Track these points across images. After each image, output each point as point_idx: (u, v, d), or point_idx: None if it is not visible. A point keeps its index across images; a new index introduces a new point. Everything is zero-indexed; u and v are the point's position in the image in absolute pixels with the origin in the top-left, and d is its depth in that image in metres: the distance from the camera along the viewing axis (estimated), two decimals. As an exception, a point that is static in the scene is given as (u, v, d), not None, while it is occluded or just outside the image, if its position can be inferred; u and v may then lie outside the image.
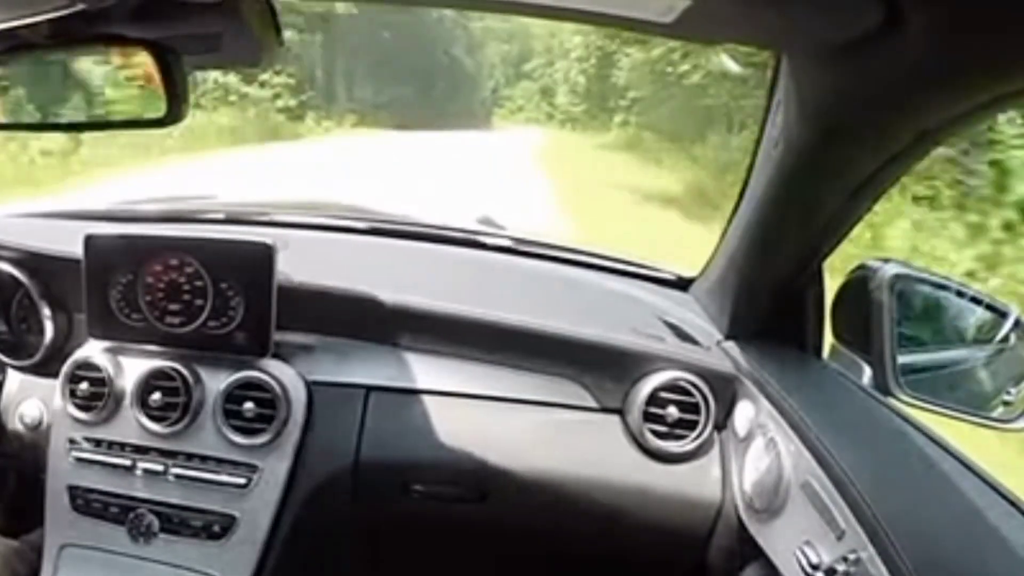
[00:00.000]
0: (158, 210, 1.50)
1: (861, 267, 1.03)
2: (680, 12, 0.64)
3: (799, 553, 0.83)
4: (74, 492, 1.10)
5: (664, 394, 1.09)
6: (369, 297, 1.14)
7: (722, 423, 1.12)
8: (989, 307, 1.05)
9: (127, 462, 1.09)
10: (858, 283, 1.02)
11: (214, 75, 12.69)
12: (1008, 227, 4.21)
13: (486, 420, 1.12)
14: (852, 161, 0.79)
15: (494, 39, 31.61)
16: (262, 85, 15.67)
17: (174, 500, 1.08)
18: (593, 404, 1.14)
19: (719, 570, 1.11)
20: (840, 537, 0.77)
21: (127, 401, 1.10)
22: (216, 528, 1.07)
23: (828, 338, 1.10)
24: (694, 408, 1.09)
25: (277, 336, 1.10)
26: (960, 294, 1.07)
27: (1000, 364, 1.04)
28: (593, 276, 1.40)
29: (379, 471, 1.11)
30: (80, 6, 0.58)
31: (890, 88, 0.66)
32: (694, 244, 1.94)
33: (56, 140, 7.24)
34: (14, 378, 1.22)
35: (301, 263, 1.16)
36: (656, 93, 13.70)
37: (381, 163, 10.41)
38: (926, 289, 1.07)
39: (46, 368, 1.18)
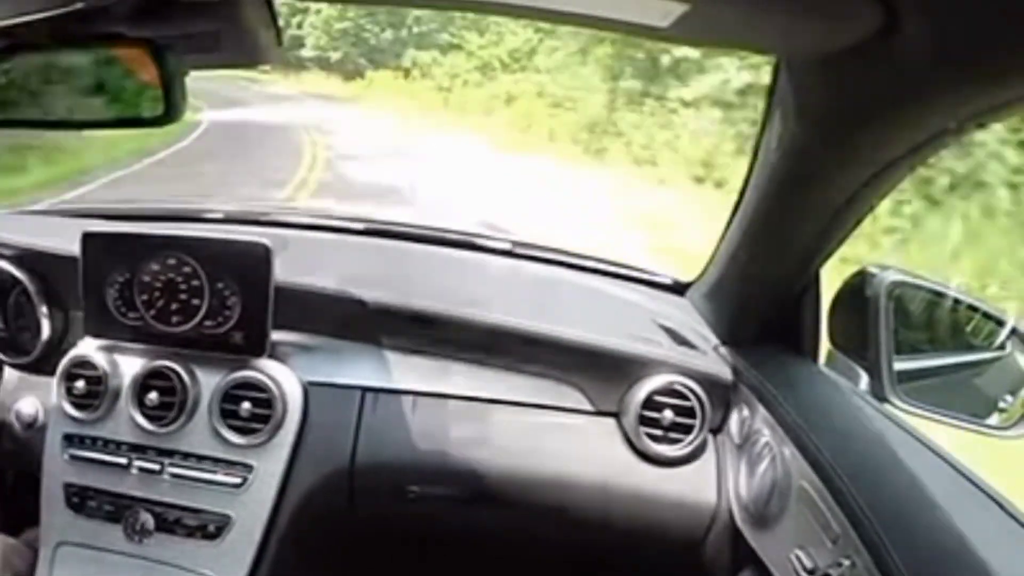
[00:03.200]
0: (156, 209, 1.50)
1: (859, 273, 1.03)
2: (677, 17, 0.64)
3: (794, 558, 0.83)
4: (70, 490, 1.10)
5: (660, 398, 1.09)
6: (366, 298, 1.14)
7: (718, 427, 1.12)
8: (986, 315, 1.05)
9: (123, 460, 1.09)
10: (855, 289, 1.02)
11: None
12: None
13: (482, 422, 1.12)
14: (849, 166, 0.79)
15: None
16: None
17: (169, 499, 1.08)
18: (589, 407, 1.14)
19: (714, 574, 1.11)
20: (835, 542, 0.77)
21: (123, 399, 1.10)
22: (211, 527, 1.07)
23: (824, 344, 1.10)
24: (689, 412, 1.09)
25: (274, 336, 1.10)
26: (957, 302, 1.07)
27: (996, 372, 1.04)
28: (590, 280, 1.40)
29: (375, 472, 1.11)
30: (78, 5, 0.58)
31: (887, 94, 0.66)
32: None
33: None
34: (11, 375, 1.22)
35: (299, 264, 1.16)
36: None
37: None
38: (923, 296, 1.07)
39: (43, 366, 1.18)
